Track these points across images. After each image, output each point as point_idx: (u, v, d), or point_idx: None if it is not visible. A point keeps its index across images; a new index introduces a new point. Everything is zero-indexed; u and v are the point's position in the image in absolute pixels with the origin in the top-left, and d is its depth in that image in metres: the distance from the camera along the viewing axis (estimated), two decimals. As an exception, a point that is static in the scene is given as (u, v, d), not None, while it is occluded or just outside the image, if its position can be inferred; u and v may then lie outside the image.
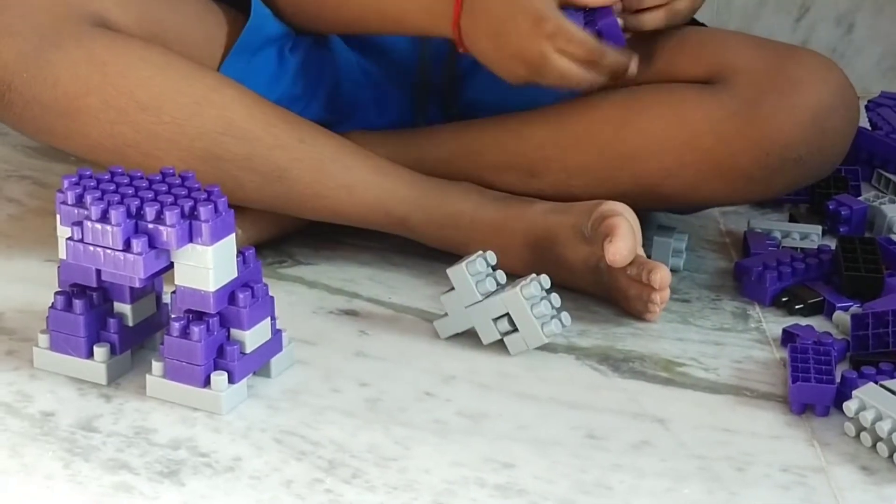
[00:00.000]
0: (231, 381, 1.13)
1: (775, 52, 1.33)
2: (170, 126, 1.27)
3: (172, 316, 1.13)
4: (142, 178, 1.13)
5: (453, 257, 1.35)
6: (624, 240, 1.24)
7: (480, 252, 1.24)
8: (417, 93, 1.46)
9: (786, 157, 1.29)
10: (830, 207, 1.49)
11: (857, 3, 1.91)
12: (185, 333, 1.12)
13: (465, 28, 1.28)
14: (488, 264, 1.24)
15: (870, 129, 1.66)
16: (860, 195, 1.54)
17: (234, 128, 1.29)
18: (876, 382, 1.14)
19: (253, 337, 1.14)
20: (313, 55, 1.42)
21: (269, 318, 1.16)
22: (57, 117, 1.26)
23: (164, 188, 1.12)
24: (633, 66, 1.28)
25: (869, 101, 1.71)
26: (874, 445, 1.11)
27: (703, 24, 1.46)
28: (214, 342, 1.12)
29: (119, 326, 1.16)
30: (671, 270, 1.28)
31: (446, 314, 1.25)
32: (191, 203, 1.10)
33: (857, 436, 1.12)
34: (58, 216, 1.14)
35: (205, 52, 1.36)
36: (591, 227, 1.29)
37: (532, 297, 1.21)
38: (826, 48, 1.90)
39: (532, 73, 1.27)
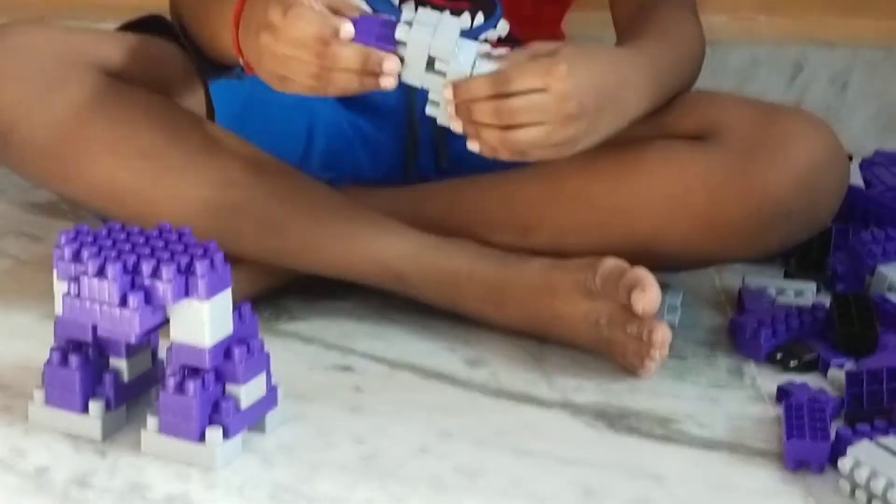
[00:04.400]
0: (226, 436, 1.12)
1: (766, 109, 1.34)
2: (169, 174, 1.28)
3: (168, 371, 1.13)
4: (139, 233, 1.14)
5: (450, 313, 1.35)
6: (655, 289, 1.25)
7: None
8: (408, 147, 1.47)
9: (777, 212, 1.30)
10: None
11: (851, 62, 1.92)
12: (180, 389, 1.11)
13: (244, 47, 1.22)
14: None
15: (864, 187, 1.67)
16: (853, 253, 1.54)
17: (232, 178, 1.30)
18: (871, 440, 1.13)
19: (248, 392, 1.14)
20: (298, 117, 1.43)
21: (264, 374, 1.16)
22: (58, 161, 1.27)
23: (161, 244, 1.12)
24: (389, 65, 1.17)
25: (863, 160, 1.71)
26: (868, 503, 1.11)
27: None
28: (209, 397, 1.12)
29: (114, 382, 1.16)
30: (666, 326, 1.29)
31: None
32: (187, 258, 1.10)
33: (852, 493, 1.12)
34: (55, 272, 1.14)
35: (203, 100, 1.37)
36: (601, 281, 1.29)
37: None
38: (820, 107, 1.90)
39: (267, 54, 1.18)
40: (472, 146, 1.23)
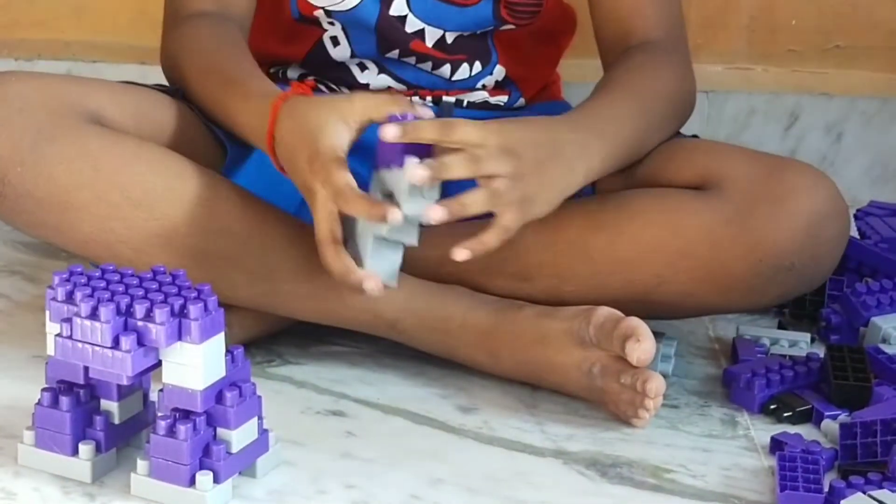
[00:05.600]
0: (216, 480, 1.12)
1: (768, 161, 1.34)
2: (162, 223, 1.28)
3: (159, 414, 1.13)
4: (132, 275, 1.14)
5: (443, 360, 1.35)
6: (649, 339, 1.25)
7: None
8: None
9: (779, 265, 1.30)
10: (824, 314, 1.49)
11: (846, 112, 1.92)
12: (171, 432, 1.11)
13: (278, 150, 1.27)
14: None
15: (859, 237, 1.67)
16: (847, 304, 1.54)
17: (225, 226, 1.29)
18: (864, 493, 1.13)
19: (239, 436, 1.14)
20: None
21: (256, 418, 1.15)
22: (49, 211, 1.27)
23: (155, 286, 1.12)
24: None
25: (858, 210, 1.71)
26: (862, 556, 1.10)
27: (695, 136, 1.47)
28: (201, 441, 1.12)
29: (105, 424, 1.15)
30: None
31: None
32: (181, 301, 1.10)
33: (846, 546, 1.12)
34: (47, 312, 1.14)
35: (198, 151, 1.37)
36: (594, 331, 1.28)
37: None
38: (815, 157, 1.91)
39: (312, 209, 1.24)
40: (460, 255, 1.23)
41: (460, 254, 1.23)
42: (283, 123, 1.25)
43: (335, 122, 1.23)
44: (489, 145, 1.22)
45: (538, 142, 1.26)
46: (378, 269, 1.24)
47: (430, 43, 1.46)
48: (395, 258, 1.25)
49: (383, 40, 1.46)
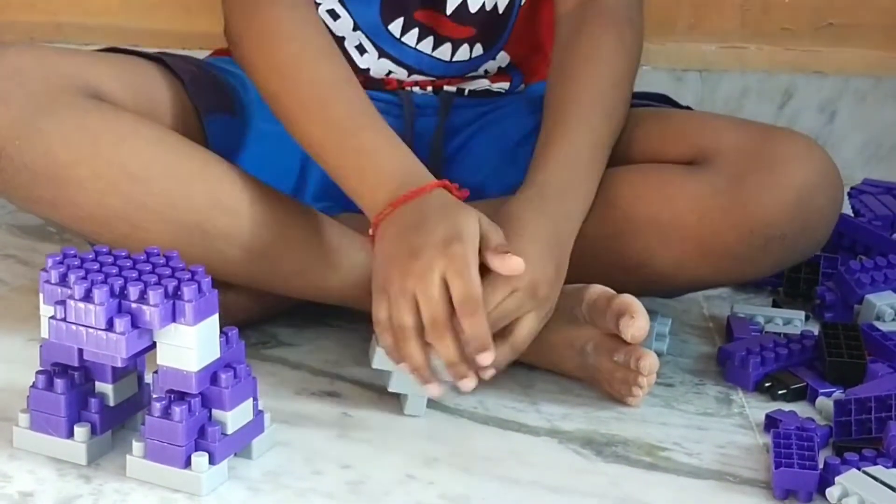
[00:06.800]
0: (212, 462, 1.12)
1: (758, 132, 1.33)
2: (159, 199, 1.27)
3: (154, 396, 1.13)
4: (126, 257, 1.13)
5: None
6: (643, 316, 1.25)
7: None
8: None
9: (769, 235, 1.29)
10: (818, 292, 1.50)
11: (840, 91, 1.92)
12: (166, 414, 1.11)
13: (383, 225, 1.23)
14: None
15: (853, 215, 1.67)
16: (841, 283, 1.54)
17: (221, 203, 1.29)
18: (858, 469, 1.13)
19: (234, 418, 1.14)
20: (293, 152, 1.42)
21: (251, 399, 1.15)
22: (46, 185, 1.26)
23: (148, 268, 1.12)
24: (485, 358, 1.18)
25: (851, 189, 1.72)
26: (857, 532, 1.10)
27: (688, 108, 1.47)
28: (196, 423, 1.12)
29: (100, 406, 1.15)
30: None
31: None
32: (175, 283, 1.10)
33: (841, 522, 1.12)
34: (41, 295, 1.14)
35: (194, 129, 1.37)
36: (587, 309, 1.28)
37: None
38: (809, 135, 1.91)
39: (411, 279, 1.17)
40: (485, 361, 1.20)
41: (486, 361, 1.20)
42: (413, 209, 1.21)
43: (477, 228, 1.19)
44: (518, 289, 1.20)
45: (544, 255, 1.23)
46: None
47: (450, 9, 1.44)
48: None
49: (388, 4, 1.44)
